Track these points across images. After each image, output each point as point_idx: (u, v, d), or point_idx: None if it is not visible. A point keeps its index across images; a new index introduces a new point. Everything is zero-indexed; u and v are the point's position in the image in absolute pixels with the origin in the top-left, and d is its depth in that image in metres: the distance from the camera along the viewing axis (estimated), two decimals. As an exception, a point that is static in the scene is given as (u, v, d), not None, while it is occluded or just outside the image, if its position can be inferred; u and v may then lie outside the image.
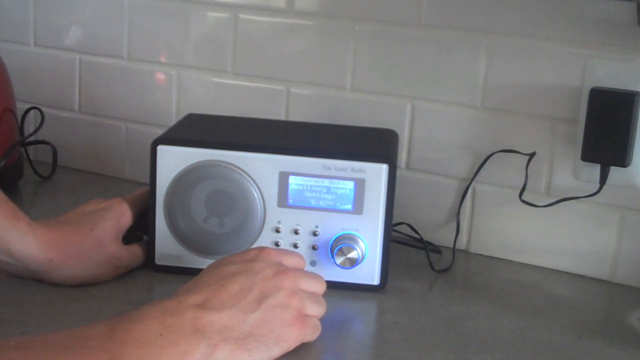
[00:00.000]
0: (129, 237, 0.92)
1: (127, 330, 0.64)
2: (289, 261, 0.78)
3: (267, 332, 0.71)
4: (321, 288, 0.79)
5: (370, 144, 0.93)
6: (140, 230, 0.94)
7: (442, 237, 1.05)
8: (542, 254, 1.01)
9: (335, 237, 0.88)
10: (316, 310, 0.77)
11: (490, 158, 1.01)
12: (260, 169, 0.88)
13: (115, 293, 0.86)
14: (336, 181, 0.87)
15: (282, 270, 0.75)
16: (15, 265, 0.84)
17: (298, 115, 1.12)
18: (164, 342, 0.64)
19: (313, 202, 0.88)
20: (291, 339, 0.73)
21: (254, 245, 0.89)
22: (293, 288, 0.74)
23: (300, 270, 0.78)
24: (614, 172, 0.93)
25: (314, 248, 0.89)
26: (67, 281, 0.85)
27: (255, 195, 0.88)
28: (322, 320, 0.78)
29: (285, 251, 0.80)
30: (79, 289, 0.85)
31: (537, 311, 0.89)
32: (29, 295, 0.84)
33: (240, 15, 1.13)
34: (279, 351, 0.72)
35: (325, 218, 0.88)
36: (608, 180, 0.93)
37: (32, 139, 1.23)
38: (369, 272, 0.89)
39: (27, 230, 0.82)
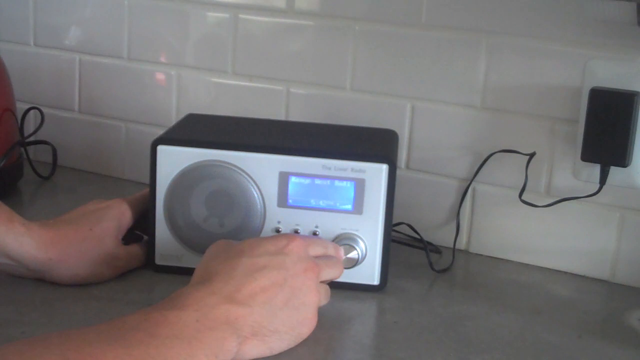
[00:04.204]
0: (128, 238, 0.92)
1: (163, 315, 0.66)
2: (314, 249, 0.81)
3: (289, 330, 0.74)
4: (339, 272, 0.83)
5: (370, 144, 0.93)
6: (140, 230, 0.94)
7: (442, 237, 1.05)
8: (542, 254, 1.01)
9: (336, 237, 0.88)
10: (331, 275, 0.82)
11: (490, 158, 1.01)
12: (260, 169, 0.88)
13: (116, 293, 0.86)
14: (336, 181, 0.87)
15: (310, 266, 0.77)
16: (15, 266, 0.84)
17: (298, 115, 1.12)
18: (201, 328, 0.67)
19: (313, 202, 0.88)
20: (308, 333, 0.77)
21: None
22: (316, 284, 0.77)
23: (322, 260, 0.81)
24: (614, 172, 0.93)
25: (314, 248, 0.89)
26: (66, 280, 0.85)
27: (255, 195, 0.88)
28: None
29: (311, 240, 0.82)
30: (80, 289, 0.85)
31: (537, 311, 0.89)
32: (29, 295, 0.84)
33: (240, 15, 1.13)
34: (294, 345, 0.76)
35: (325, 218, 0.88)
36: (608, 180, 0.93)
37: (32, 139, 1.23)
38: (369, 272, 0.89)
39: (23, 231, 0.82)
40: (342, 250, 0.86)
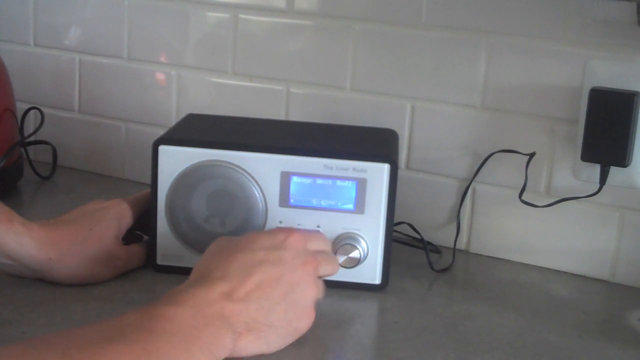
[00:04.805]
0: (129, 238, 0.92)
1: (161, 311, 0.66)
2: (313, 245, 0.81)
3: (286, 325, 0.74)
4: (336, 268, 0.84)
5: (371, 143, 0.94)
6: (141, 230, 0.94)
7: (442, 237, 1.05)
8: (542, 254, 1.01)
9: (337, 236, 0.88)
10: (328, 270, 0.82)
11: (490, 158, 1.01)
12: (261, 168, 0.88)
13: (116, 293, 0.86)
14: (338, 181, 0.87)
15: (307, 260, 0.77)
16: (15, 265, 0.84)
17: (298, 115, 1.12)
18: (196, 324, 0.67)
19: (315, 202, 0.88)
20: (305, 328, 0.76)
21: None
22: (314, 278, 0.77)
23: (320, 254, 0.81)
24: (614, 172, 0.93)
25: (314, 248, 0.89)
26: (66, 279, 0.85)
27: (257, 195, 0.88)
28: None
29: (310, 234, 0.82)
30: (80, 289, 0.85)
31: (537, 311, 0.89)
32: (29, 295, 0.84)
33: (240, 15, 1.13)
34: (292, 340, 0.75)
35: (327, 218, 0.88)
36: (608, 180, 0.93)
37: (32, 139, 1.23)
38: (371, 272, 0.89)
39: (23, 231, 0.82)
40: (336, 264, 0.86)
